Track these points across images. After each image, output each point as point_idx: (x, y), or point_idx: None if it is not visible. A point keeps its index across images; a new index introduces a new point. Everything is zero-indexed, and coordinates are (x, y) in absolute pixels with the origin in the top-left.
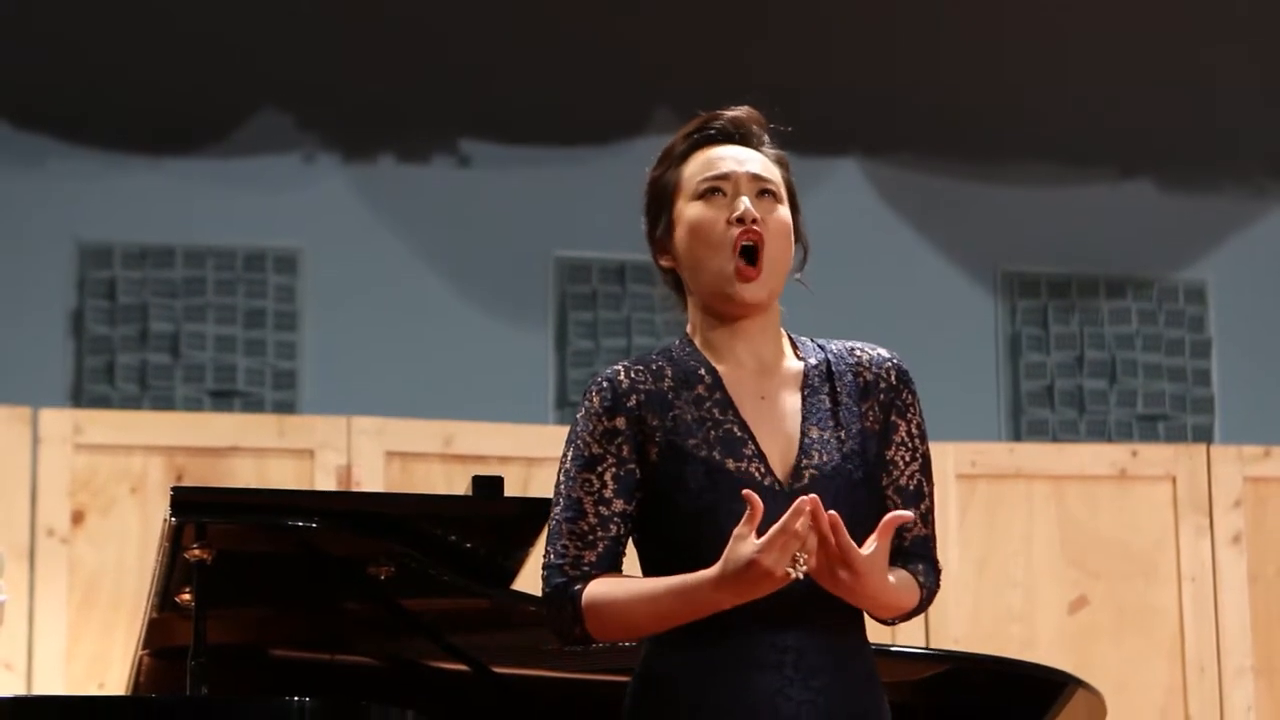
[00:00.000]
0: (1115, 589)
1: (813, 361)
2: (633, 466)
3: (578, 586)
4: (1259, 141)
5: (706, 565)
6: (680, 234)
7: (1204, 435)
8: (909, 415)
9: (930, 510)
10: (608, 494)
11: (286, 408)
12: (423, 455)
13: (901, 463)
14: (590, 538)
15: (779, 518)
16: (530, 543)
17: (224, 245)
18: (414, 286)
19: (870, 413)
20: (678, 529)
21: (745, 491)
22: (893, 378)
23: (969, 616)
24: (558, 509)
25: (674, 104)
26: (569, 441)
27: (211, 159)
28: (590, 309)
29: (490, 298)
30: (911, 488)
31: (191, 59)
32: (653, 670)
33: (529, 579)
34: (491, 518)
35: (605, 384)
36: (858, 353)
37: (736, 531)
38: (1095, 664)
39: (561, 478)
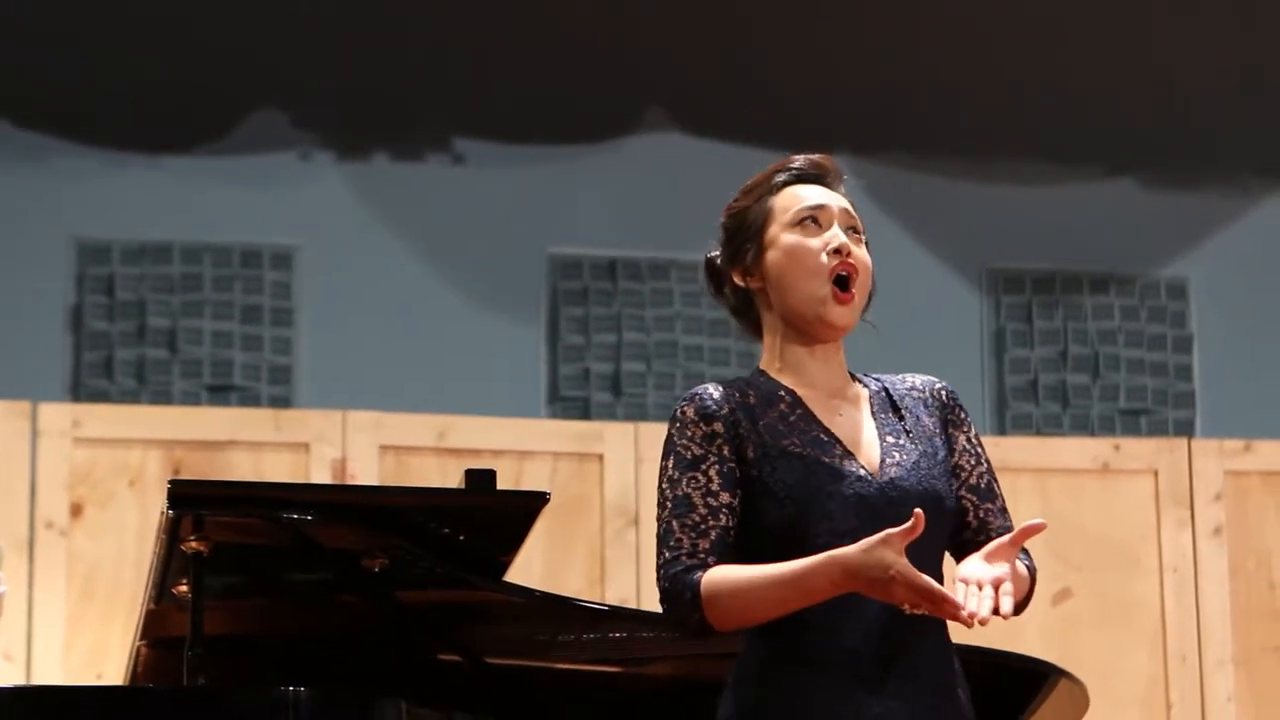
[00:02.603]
0: (1098, 581)
1: (874, 388)
2: (733, 464)
3: (697, 575)
4: (1240, 141)
5: (809, 551)
6: (774, 257)
7: (1185, 429)
8: (965, 427)
9: (1004, 506)
10: (714, 487)
11: (282, 402)
12: (417, 449)
13: (968, 466)
14: (703, 527)
15: (878, 506)
16: (522, 536)
17: (221, 242)
18: (408, 283)
19: (933, 424)
20: (780, 518)
21: (916, 510)
22: (944, 396)
23: None
24: (665, 512)
25: (666, 103)
26: (666, 455)
27: (209, 157)
28: (582, 305)
29: (483, 294)
30: (982, 485)
31: (190, 59)
32: (742, 666)
33: (520, 571)
34: (484, 511)
35: (695, 396)
36: (909, 379)
37: (892, 535)
38: (1078, 655)
39: (665, 485)
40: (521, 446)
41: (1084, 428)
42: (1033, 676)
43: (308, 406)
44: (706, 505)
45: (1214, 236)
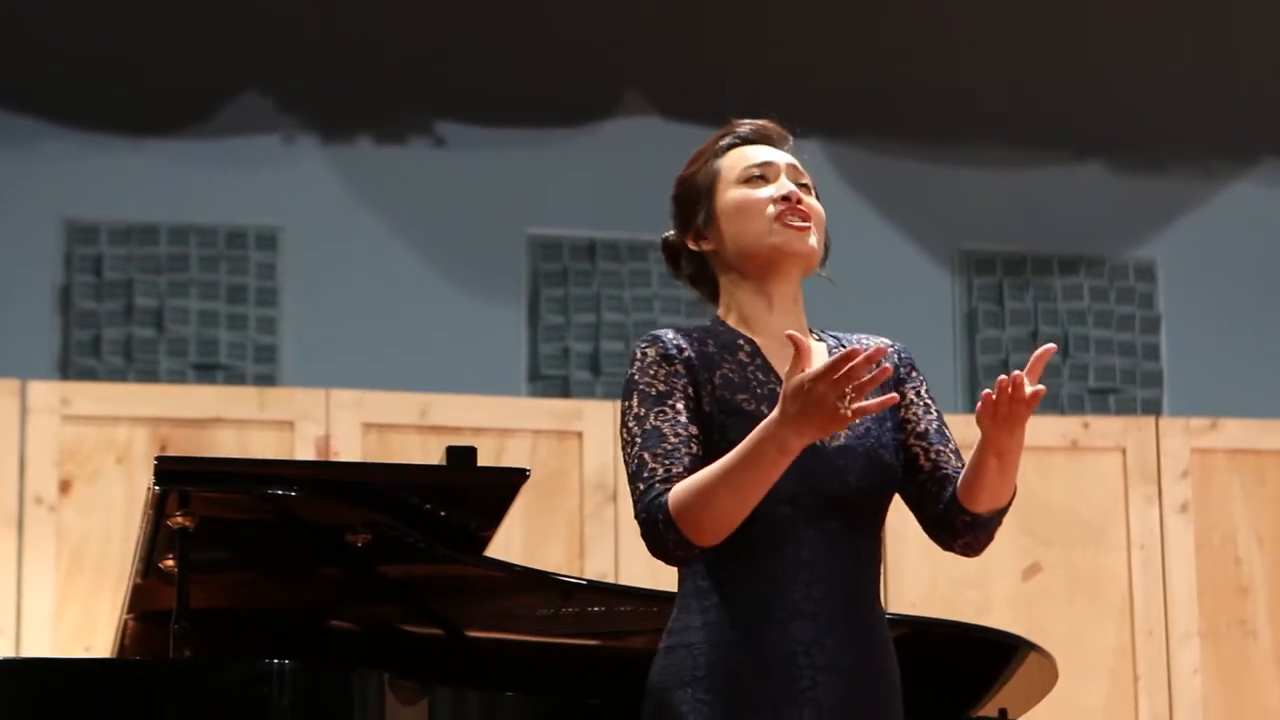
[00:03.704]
0: (1067, 556)
1: (832, 344)
2: (695, 403)
3: (665, 497)
4: (1207, 125)
5: (759, 513)
6: (723, 210)
7: (1153, 408)
8: (916, 384)
9: (958, 449)
10: (683, 419)
11: (267, 380)
12: (399, 426)
13: (915, 417)
14: (675, 454)
15: (821, 473)
16: (503, 512)
17: (207, 223)
18: (391, 263)
19: (884, 389)
20: None
21: (789, 333)
22: (897, 359)
23: (926, 582)
24: (634, 448)
25: (642, 87)
26: (628, 394)
27: (195, 140)
28: (561, 285)
29: (465, 274)
30: (932, 430)
31: (176, 43)
32: (675, 634)
33: (501, 546)
34: (465, 487)
35: (656, 339)
36: (864, 341)
37: (789, 371)
38: (1047, 628)
39: (632, 423)
40: (502, 424)
41: (1054, 406)
42: (1002, 649)
43: (292, 385)
44: (677, 435)
45: (1181, 219)
